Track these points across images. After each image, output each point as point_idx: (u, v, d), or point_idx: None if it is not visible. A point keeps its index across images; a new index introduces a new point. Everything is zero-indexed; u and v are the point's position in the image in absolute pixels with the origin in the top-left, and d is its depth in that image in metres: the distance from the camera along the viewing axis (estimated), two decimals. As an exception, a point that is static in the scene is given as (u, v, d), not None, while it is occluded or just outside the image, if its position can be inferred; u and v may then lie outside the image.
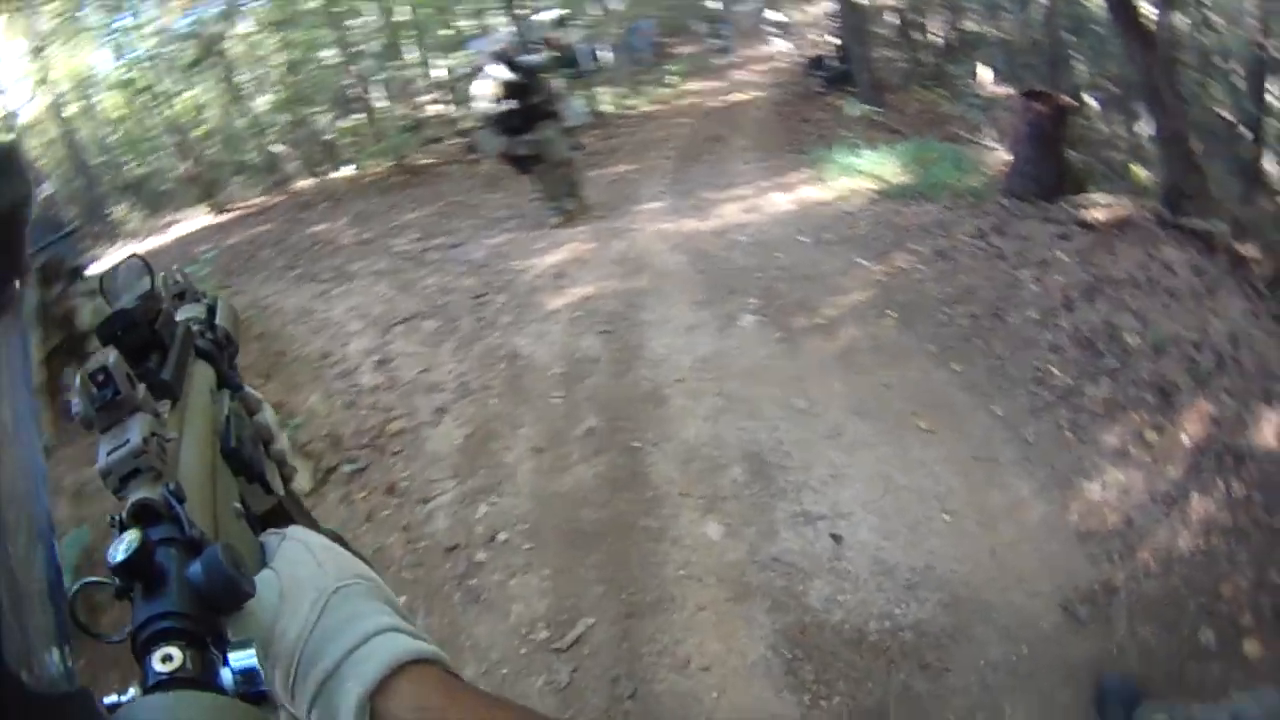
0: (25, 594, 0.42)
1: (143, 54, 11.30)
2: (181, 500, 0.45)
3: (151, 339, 0.63)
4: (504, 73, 5.28)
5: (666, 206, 6.19)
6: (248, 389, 0.75)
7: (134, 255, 0.74)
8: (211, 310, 0.79)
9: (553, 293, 4.44)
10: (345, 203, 9.19)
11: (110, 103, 15.01)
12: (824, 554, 2.25)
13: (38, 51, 11.90)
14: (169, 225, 11.25)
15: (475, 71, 6.04)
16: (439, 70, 14.13)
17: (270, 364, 4.21)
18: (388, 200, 8.89)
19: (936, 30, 12.82)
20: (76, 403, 0.51)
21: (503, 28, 13.21)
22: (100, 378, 0.51)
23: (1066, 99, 5.10)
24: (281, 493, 0.72)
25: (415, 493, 2.84)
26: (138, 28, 11.35)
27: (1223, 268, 3.10)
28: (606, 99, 12.92)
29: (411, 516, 2.71)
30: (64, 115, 12.28)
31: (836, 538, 2.30)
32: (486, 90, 5.38)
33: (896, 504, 2.40)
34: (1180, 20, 6.15)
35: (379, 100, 13.56)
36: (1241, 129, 6.54)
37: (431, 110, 14.29)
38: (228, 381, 0.73)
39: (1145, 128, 7.01)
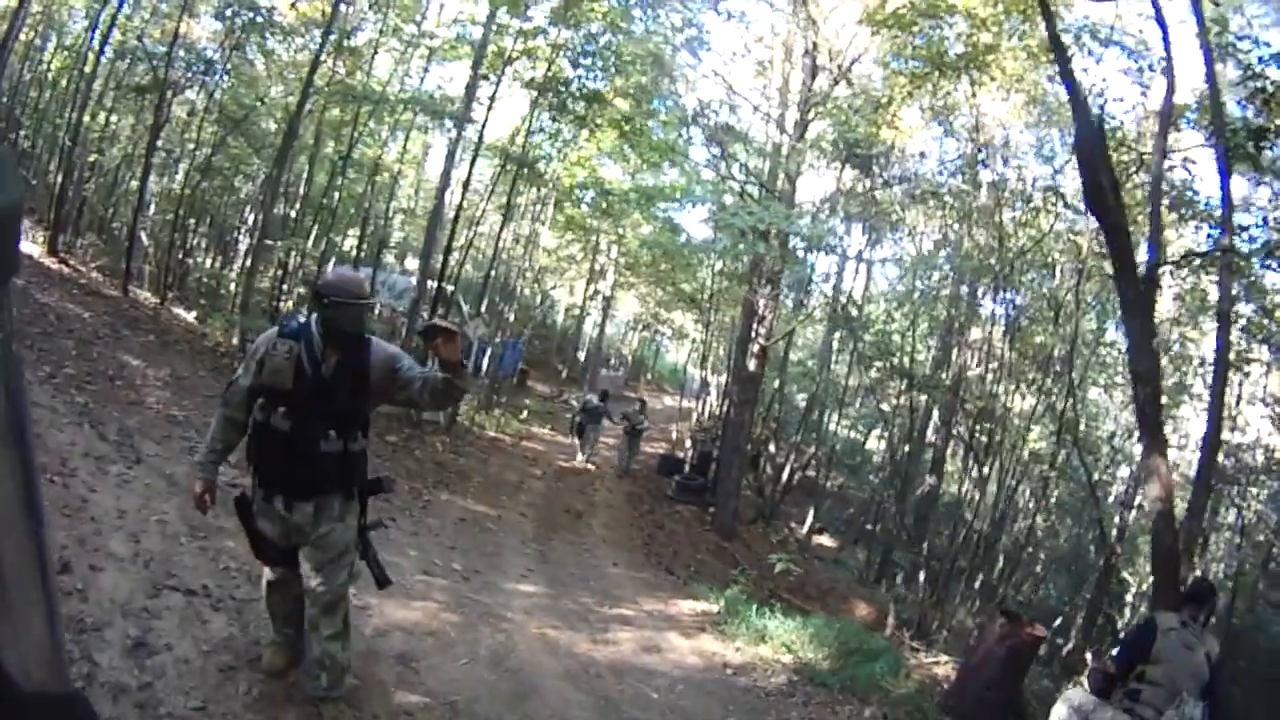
0: (20, 600, 0.44)
1: (107, 43, 10.64)
2: None
3: None
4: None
5: (544, 597, 5.24)
6: None
7: None
8: None
9: (399, 682, 3.00)
10: (171, 353, 7.38)
11: (51, 55, 13.58)
12: None
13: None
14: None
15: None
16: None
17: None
18: (218, 383, 6.31)
19: (785, 467, 13.28)
20: None
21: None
22: None
23: (1040, 629, 5.30)
24: None
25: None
26: (120, 17, 10.75)
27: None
28: (460, 405, 11.47)
29: None
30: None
31: None
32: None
33: None
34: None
35: (257, 262, 11.23)
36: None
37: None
38: None
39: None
